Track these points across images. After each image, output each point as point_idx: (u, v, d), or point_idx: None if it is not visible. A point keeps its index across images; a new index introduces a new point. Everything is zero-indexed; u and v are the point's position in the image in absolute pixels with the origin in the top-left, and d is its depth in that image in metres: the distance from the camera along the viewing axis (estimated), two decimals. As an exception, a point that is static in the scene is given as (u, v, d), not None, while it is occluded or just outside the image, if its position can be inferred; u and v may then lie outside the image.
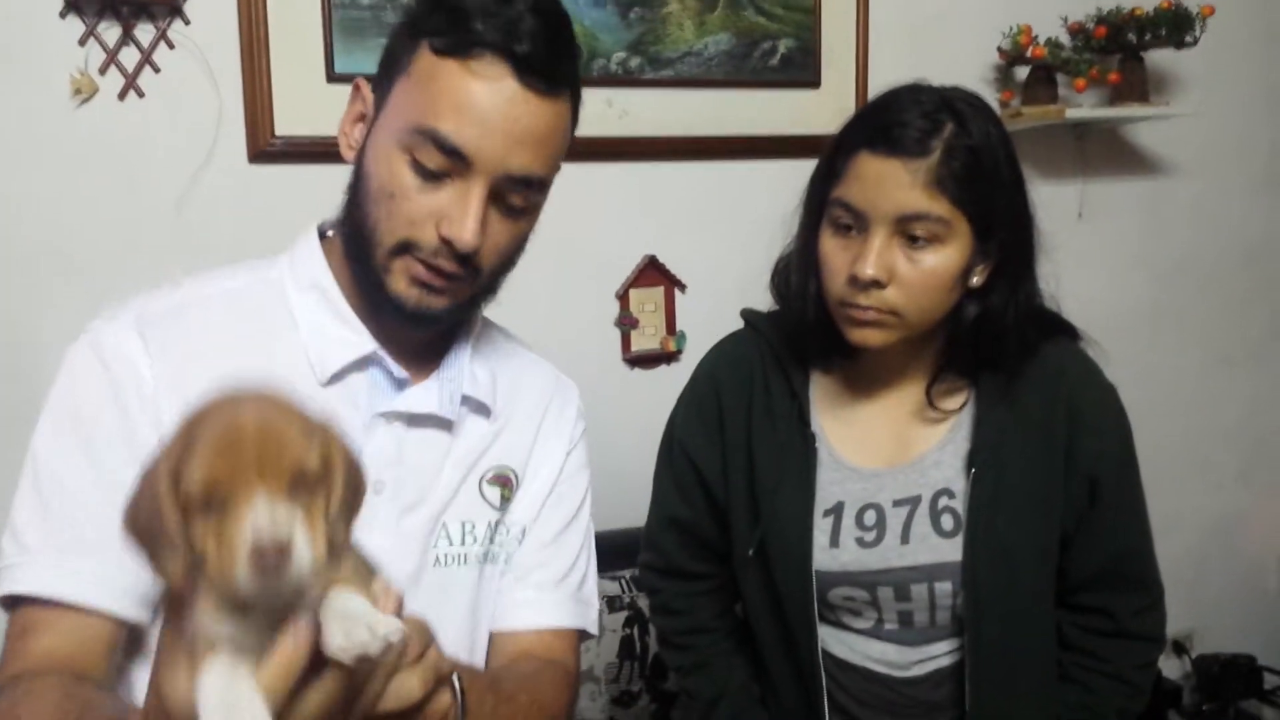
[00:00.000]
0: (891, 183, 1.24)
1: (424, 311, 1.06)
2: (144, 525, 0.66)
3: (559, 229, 2.24)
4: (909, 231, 1.25)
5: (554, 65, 1.02)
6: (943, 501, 1.36)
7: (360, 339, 1.10)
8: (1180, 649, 3.00)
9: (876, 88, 1.39)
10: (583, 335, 2.34)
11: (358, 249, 1.07)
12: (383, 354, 1.10)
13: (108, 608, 0.98)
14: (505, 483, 1.18)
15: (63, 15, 1.92)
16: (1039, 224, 1.36)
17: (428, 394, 1.12)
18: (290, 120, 2.04)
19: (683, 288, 2.41)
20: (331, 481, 0.67)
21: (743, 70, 2.38)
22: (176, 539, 0.64)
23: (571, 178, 2.30)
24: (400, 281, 1.05)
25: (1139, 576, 1.43)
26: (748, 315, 1.52)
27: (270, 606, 0.64)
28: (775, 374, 1.44)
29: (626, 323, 2.38)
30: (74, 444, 1.01)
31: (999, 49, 2.57)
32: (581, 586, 1.25)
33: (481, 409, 1.17)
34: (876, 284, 1.26)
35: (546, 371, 1.29)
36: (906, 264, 1.26)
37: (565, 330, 2.31)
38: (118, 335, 1.04)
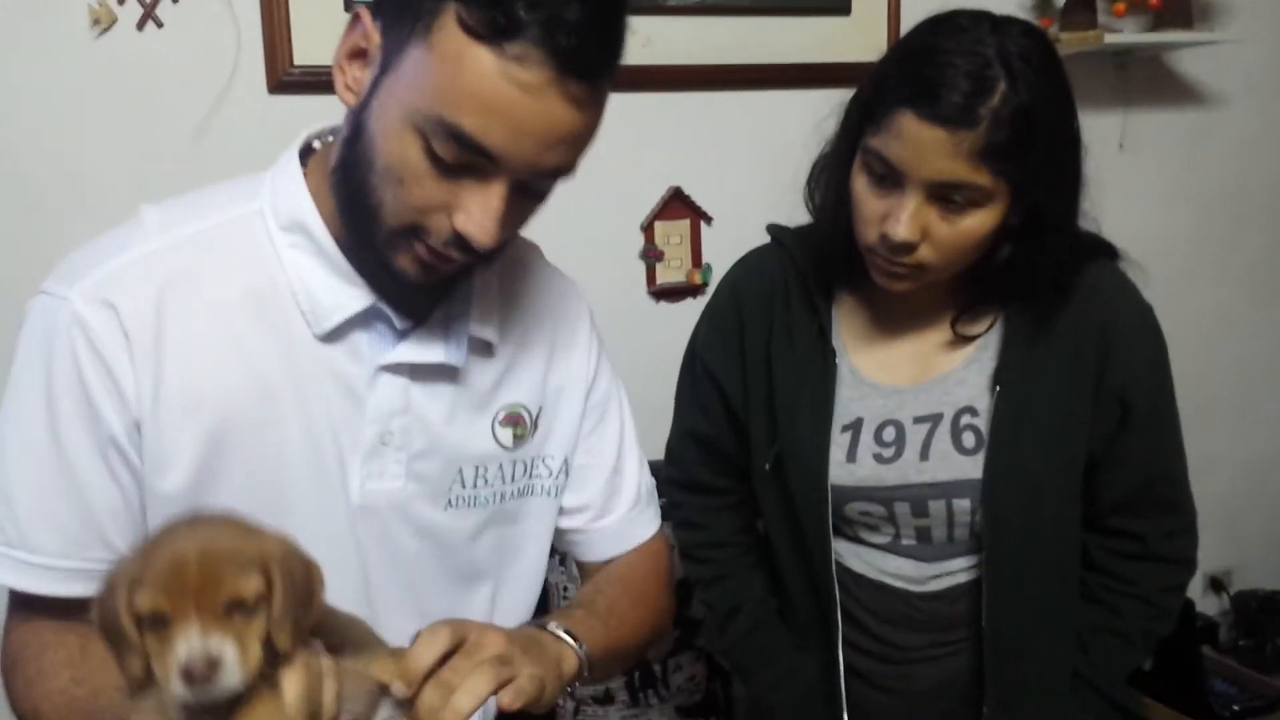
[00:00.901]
0: (933, 151, 1.17)
1: (425, 285, 1.00)
2: (108, 629, 0.77)
3: (582, 160, 2.26)
4: (947, 196, 1.20)
5: (601, 62, 0.91)
6: (965, 419, 1.34)
7: (358, 291, 1.02)
8: (1218, 586, 2.97)
9: (910, 14, 1.32)
10: (607, 268, 2.32)
11: (358, 217, 0.96)
12: (381, 304, 1.03)
13: (72, 593, 0.97)
14: (517, 421, 1.14)
15: (79, -56, 1.91)
16: (1086, 170, 1.30)
17: (433, 340, 1.06)
18: (309, 50, 2.01)
19: (709, 220, 2.38)
20: (273, 598, 0.77)
21: (770, -3, 2.32)
22: (135, 647, 0.75)
23: (594, 108, 2.29)
24: (404, 260, 0.96)
25: (1172, 500, 1.41)
26: (774, 230, 1.50)
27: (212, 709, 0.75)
28: (799, 291, 1.42)
29: (652, 255, 2.35)
30: (38, 429, 0.96)
31: (1037, -28, 2.49)
32: (651, 495, 1.30)
33: (486, 349, 1.11)
34: (908, 246, 1.22)
35: (550, 290, 1.22)
36: (941, 224, 1.22)
37: (589, 263, 2.25)
38: (84, 307, 0.95)
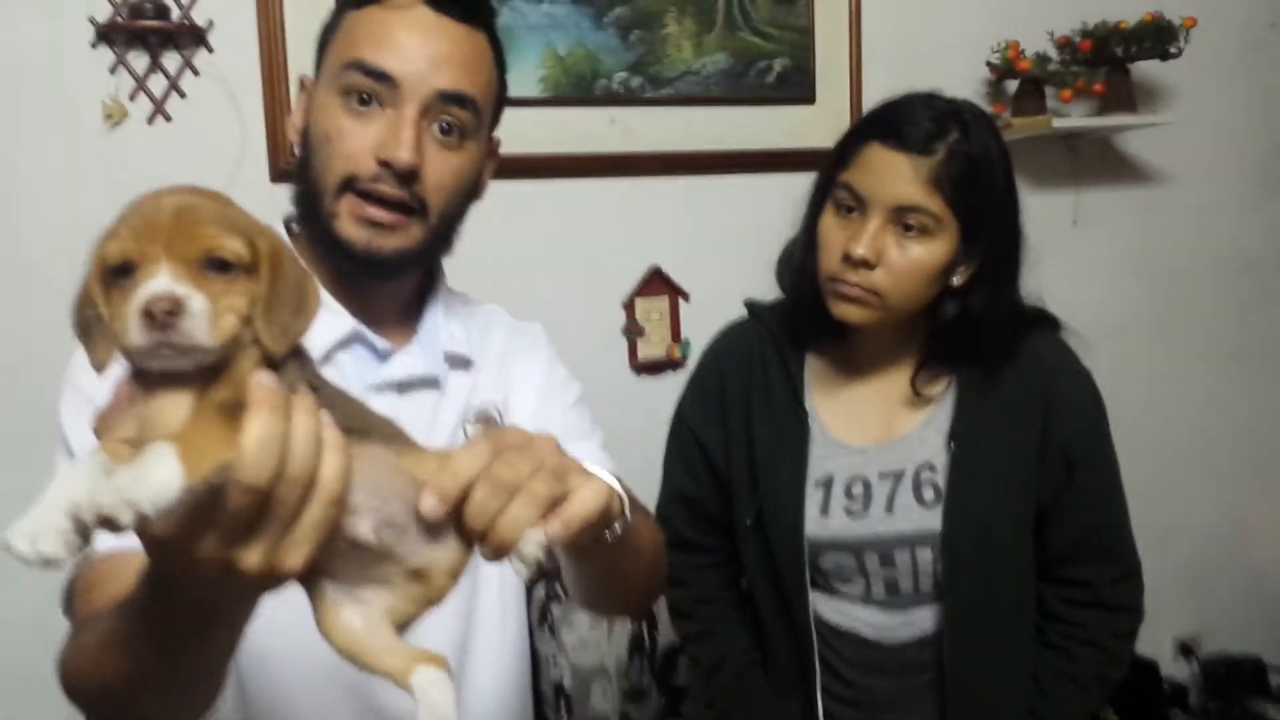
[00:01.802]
0: (894, 174, 1.35)
1: (375, 253, 1.10)
2: (80, 316, 0.69)
3: (567, 241, 2.40)
4: (903, 220, 1.36)
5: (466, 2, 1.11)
6: (925, 475, 1.44)
7: (340, 319, 1.14)
8: (1187, 650, 3.03)
9: (870, 102, 1.50)
10: (591, 344, 2.41)
11: (308, 206, 1.12)
12: (363, 329, 1.15)
13: None
14: (488, 419, 1.23)
15: (94, 46, 2.04)
16: (1027, 239, 1.46)
17: (412, 358, 1.18)
18: (308, 141, 2.14)
19: (686, 297, 2.50)
20: (259, 277, 0.69)
21: (740, 88, 2.48)
22: (102, 316, 0.67)
23: (577, 192, 2.45)
24: (348, 225, 1.09)
25: (1115, 549, 1.51)
26: (750, 305, 1.63)
27: (166, 367, 0.66)
28: (774, 358, 1.54)
29: (633, 331, 2.47)
30: (91, 410, 1.05)
31: (989, 64, 2.65)
32: (604, 448, 1.27)
33: (462, 363, 1.23)
34: (866, 264, 1.37)
35: (506, 319, 1.34)
36: (896, 250, 1.37)
37: (573, 339, 2.34)
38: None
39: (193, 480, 0.60)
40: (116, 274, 0.66)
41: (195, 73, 2.10)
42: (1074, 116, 2.69)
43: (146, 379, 0.67)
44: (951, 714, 1.46)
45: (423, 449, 0.76)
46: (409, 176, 1.08)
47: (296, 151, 1.16)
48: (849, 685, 1.51)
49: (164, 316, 0.63)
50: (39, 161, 2.03)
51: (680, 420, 1.64)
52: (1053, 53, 2.65)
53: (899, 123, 1.38)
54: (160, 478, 0.60)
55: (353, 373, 1.15)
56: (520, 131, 2.31)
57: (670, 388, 2.40)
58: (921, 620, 1.48)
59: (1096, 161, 2.87)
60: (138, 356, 0.66)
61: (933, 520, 1.43)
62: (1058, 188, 2.83)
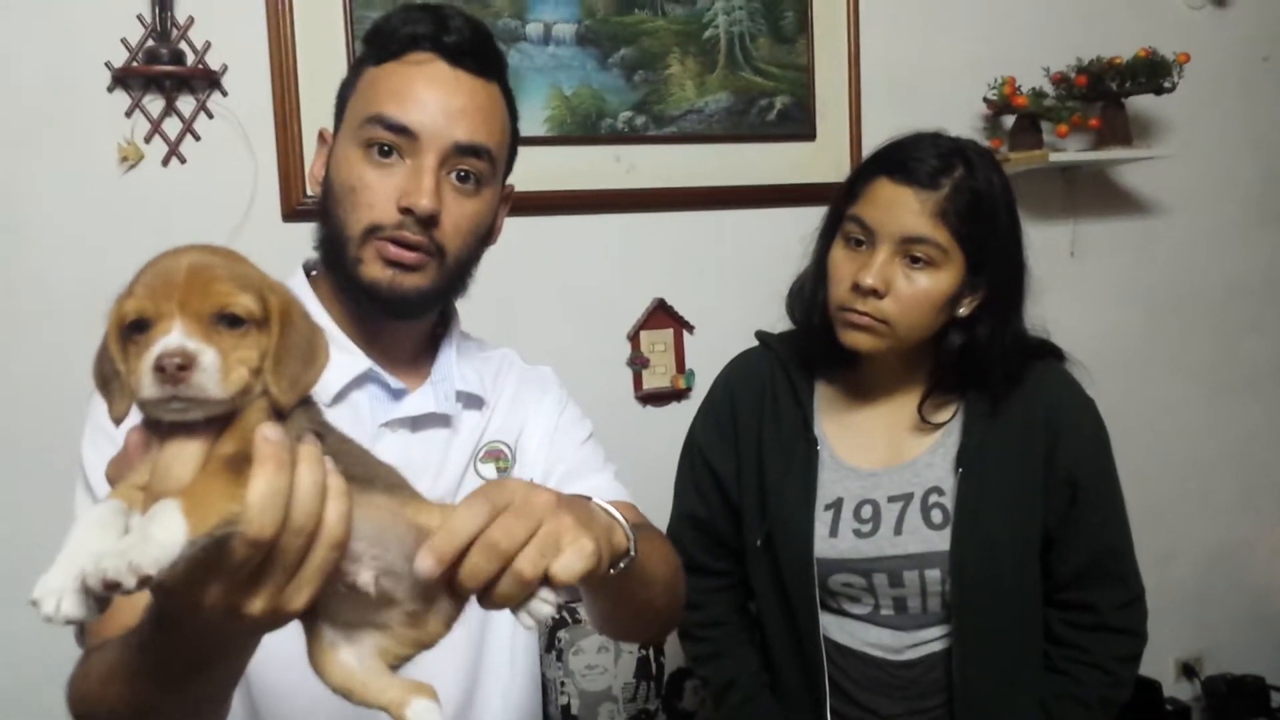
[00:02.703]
0: (902, 207, 1.41)
1: (398, 292, 1.14)
2: (99, 369, 0.73)
3: (573, 275, 2.44)
4: (910, 252, 1.42)
5: (481, 50, 1.17)
6: (933, 498, 1.49)
7: (355, 359, 1.19)
8: (1190, 671, 3.06)
9: (870, 138, 1.55)
10: (596, 375, 2.45)
11: (333, 253, 1.17)
12: (378, 369, 1.20)
13: None
14: (499, 455, 1.27)
15: (110, 89, 2.08)
16: (1030, 271, 1.51)
17: (424, 397, 1.23)
18: (320, 181, 2.19)
19: (690, 329, 2.54)
20: (269, 331, 0.71)
21: (741, 125, 2.53)
22: (120, 369, 0.70)
23: (583, 228, 2.49)
24: (373, 267, 1.14)
25: (1120, 573, 1.54)
26: (761, 335, 1.67)
27: (178, 418, 0.68)
28: (783, 385, 1.59)
29: (638, 363, 2.50)
30: (112, 447, 1.09)
31: (985, 100, 2.70)
32: (617, 478, 1.30)
33: (475, 402, 1.27)
34: (875, 293, 1.42)
35: (521, 364, 1.38)
36: (904, 280, 1.42)
37: (580, 371, 2.38)
38: None
39: (196, 534, 0.62)
40: (133, 330, 0.68)
41: (209, 115, 2.14)
42: (1070, 150, 2.73)
43: (159, 427, 0.70)
44: None
45: (424, 499, 0.79)
46: (429, 222, 1.13)
47: (317, 201, 1.22)
48: (858, 707, 1.54)
49: (176, 370, 0.65)
50: (55, 204, 2.07)
51: (692, 444, 1.68)
52: (1048, 88, 2.70)
53: (906, 159, 1.43)
54: (164, 537, 0.62)
55: (367, 411, 1.20)
56: (528, 169, 2.33)
57: (675, 418, 2.45)
58: (929, 640, 1.51)
59: (1093, 194, 2.91)
60: (151, 408, 0.68)
61: (940, 542, 1.47)
62: (1055, 220, 2.87)
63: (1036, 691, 1.53)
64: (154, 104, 2.11)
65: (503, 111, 1.21)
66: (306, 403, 0.76)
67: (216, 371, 0.67)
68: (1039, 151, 2.62)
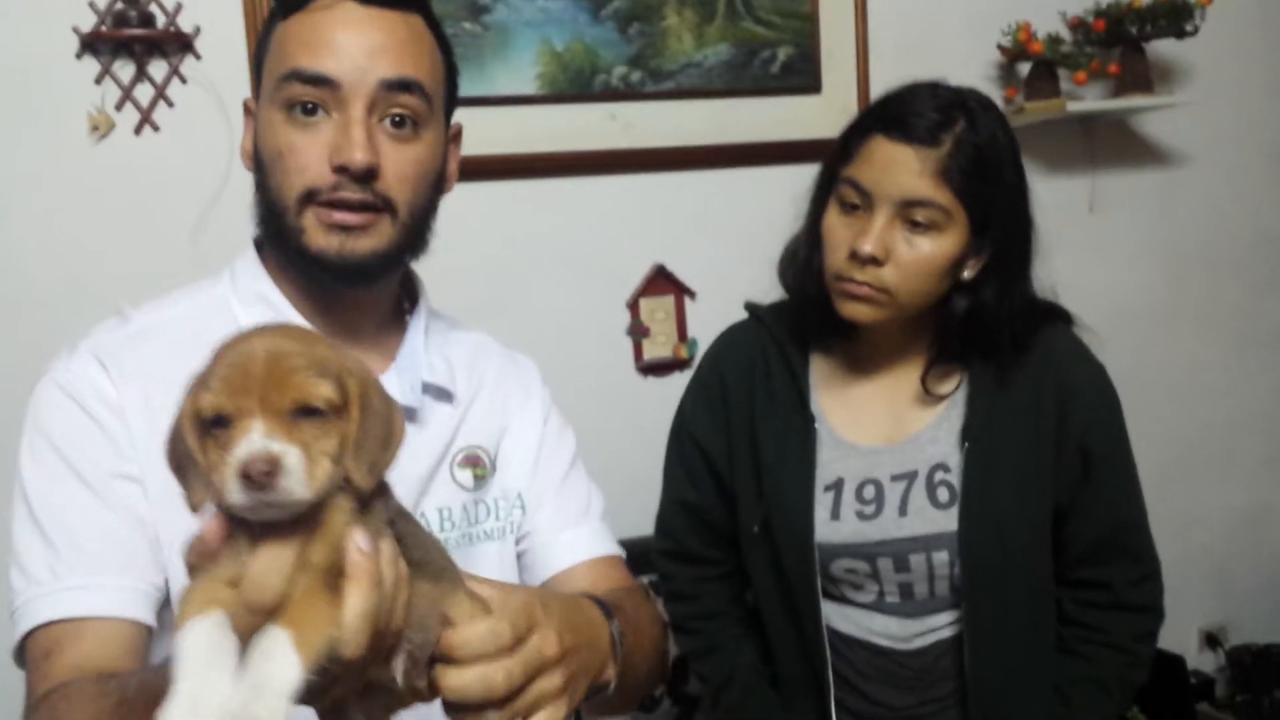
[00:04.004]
0: (901, 167, 1.31)
1: (349, 258, 1.05)
2: (174, 455, 0.72)
3: (567, 241, 2.35)
4: (910, 216, 1.32)
5: None
6: (939, 475, 1.41)
7: None
8: (1214, 642, 2.98)
9: (878, 90, 1.45)
10: (594, 346, 2.39)
11: (273, 225, 1.08)
12: None
13: (127, 614, 0.99)
14: (476, 462, 1.19)
15: (79, 56, 2.00)
16: (1038, 228, 1.42)
17: (388, 385, 1.12)
18: (300, 147, 2.10)
19: (692, 295, 2.45)
20: (349, 415, 0.71)
21: (743, 79, 2.42)
22: (198, 462, 0.70)
23: (577, 190, 2.40)
24: (317, 235, 1.05)
25: (1134, 548, 1.47)
26: (751, 307, 1.58)
27: (264, 518, 0.68)
28: (777, 359, 1.50)
29: (638, 331, 2.42)
30: (59, 469, 1.02)
31: (1000, 47, 2.59)
32: (603, 518, 1.28)
33: (443, 395, 1.18)
34: (874, 261, 1.33)
35: (499, 352, 1.30)
36: (904, 246, 1.33)
37: (577, 341, 2.35)
38: (80, 366, 1.05)
39: (307, 668, 0.64)
40: (211, 424, 0.69)
41: (183, 80, 2.05)
42: (1088, 99, 2.62)
43: (242, 521, 0.69)
44: None
45: (461, 584, 0.81)
46: (368, 176, 1.04)
47: (247, 166, 1.13)
48: (865, 699, 1.46)
49: (261, 477, 0.65)
50: (25, 176, 1.99)
51: (681, 426, 1.59)
52: (1065, 34, 2.59)
53: (903, 114, 1.33)
54: (281, 680, 0.64)
55: None
56: (518, 130, 2.28)
57: (677, 389, 2.32)
58: (938, 627, 1.43)
59: (1113, 145, 2.80)
60: (236, 510, 0.68)
61: (948, 521, 1.39)
62: (1073, 173, 2.76)
63: (1051, 676, 1.46)
64: (124, 70, 2.03)
65: (430, 43, 1.11)
66: (382, 487, 0.76)
67: (302, 472, 0.67)
68: (1056, 100, 2.51)
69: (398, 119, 1.06)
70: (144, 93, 2.04)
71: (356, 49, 1.04)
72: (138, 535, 1.02)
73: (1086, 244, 2.76)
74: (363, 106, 1.04)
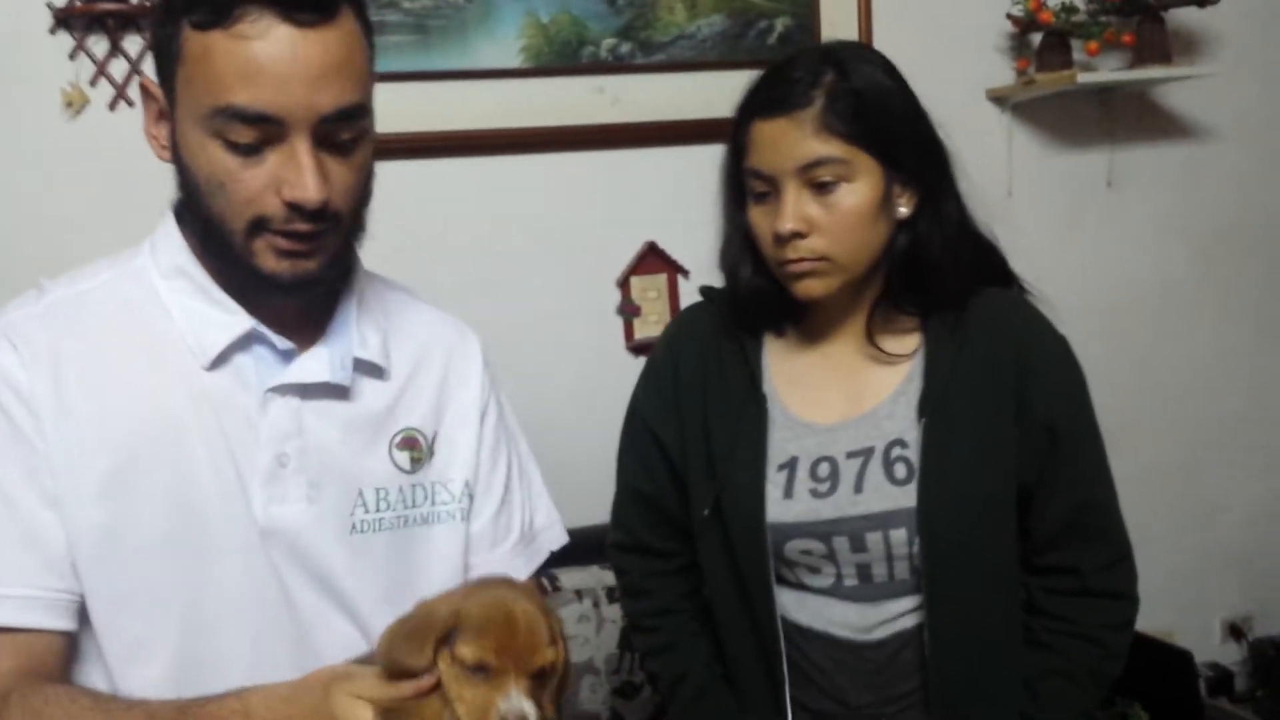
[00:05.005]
0: (785, 139, 1.31)
1: (302, 278, 1.05)
2: (397, 667, 0.91)
3: (556, 219, 2.30)
4: (814, 179, 1.31)
5: None
6: (896, 451, 1.36)
7: (235, 318, 1.08)
8: (1238, 633, 2.88)
9: None
10: (585, 325, 2.34)
11: (215, 243, 1.05)
12: (263, 329, 1.09)
13: (46, 624, 1.00)
14: (414, 444, 1.18)
15: (52, 31, 1.98)
16: (951, 152, 1.41)
17: (317, 362, 1.11)
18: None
19: (685, 273, 2.38)
20: (559, 672, 0.93)
21: (738, 51, 2.34)
22: (448, 692, 0.91)
23: (566, 167, 2.35)
24: (268, 259, 1.04)
25: (1103, 530, 1.41)
26: (705, 290, 1.55)
27: None
28: (729, 342, 1.47)
29: (629, 310, 2.36)
30: (31, 454, 1.01)
31: (1009, 16, 2.49)
32: (536, 537, 1.31)
33: (375, 371, 1.16)
34: (798, 235, 1.31)
35: (441, 322, 1.28)
36: (820, 210, 1.32)
37: (566, 321, 2.31)
38: None
39: None
40: (471, 670, 0.90)
41: (158, 54, 2.02)
42: (1103, 70, 2.51)
43: None
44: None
45: None
46: (320, 209, 1.02)
47: (163, 159, 1.10)
48: (824, 695, 1.40)
49: None
50: (-1, 153, 1.97)
51: (634, 414, 1.55)
52: (1079, 2, 2.48)
53: (769, 90, 1.35)
54: None
55: (253, 374, 1.10)
56: (503, 105, 2.23)
57: (667, 371, 2.31)
58: (899, 614, 1.38)
59: (1132, 118, 2.69)
60: None
61: (905, 498, 1.34)
62: (1090, 147, 2.66)
63: (1019, 670, 1.39)
64: (98, 45, 2.01)
65: (360, 49, 1.05)
66: None
67: None
68: (1067, 72, 2.41)
69: (341, 143, 1.03)
70: (118, 68, 2.01)
71: (296, 82, 0.98)
72: (48, 540, 1.01)
73: (1104, 221, 2.66)
74: (307, 141, 1.00)
